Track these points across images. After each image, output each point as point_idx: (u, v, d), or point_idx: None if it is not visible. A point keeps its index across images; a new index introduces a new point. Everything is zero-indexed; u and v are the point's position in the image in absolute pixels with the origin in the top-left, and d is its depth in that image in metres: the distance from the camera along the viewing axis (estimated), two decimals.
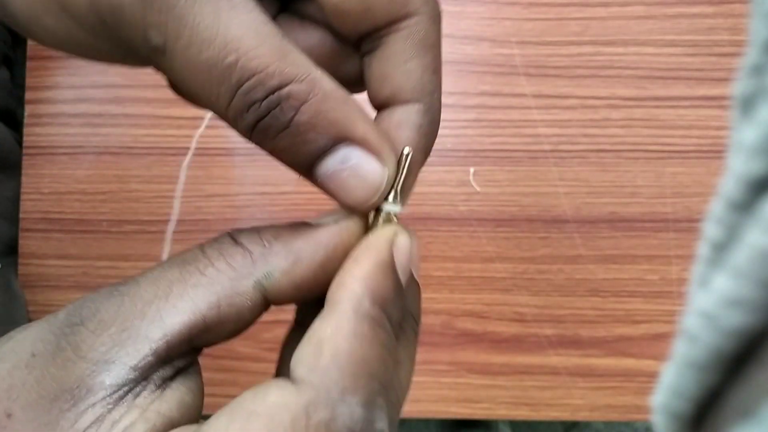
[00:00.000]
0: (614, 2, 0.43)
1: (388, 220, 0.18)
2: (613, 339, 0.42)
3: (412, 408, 0.41)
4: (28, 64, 0.44)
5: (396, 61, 0.17)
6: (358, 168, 0.16)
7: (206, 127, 0.42)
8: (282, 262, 0.16)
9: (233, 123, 0.16)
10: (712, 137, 0.42)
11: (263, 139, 0.16)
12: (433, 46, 0.17)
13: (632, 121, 0.42)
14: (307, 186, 0.17)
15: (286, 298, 0.17)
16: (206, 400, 0.17)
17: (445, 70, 0.18)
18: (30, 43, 0.45)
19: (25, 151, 0.44)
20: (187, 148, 0.43)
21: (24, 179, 0.44)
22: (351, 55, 0.18)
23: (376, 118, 0.18)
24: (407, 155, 0.17)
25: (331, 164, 0.16)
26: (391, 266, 0.16)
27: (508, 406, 0.41)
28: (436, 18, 0.17)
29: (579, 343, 0.41)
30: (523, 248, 0.42)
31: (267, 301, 0.17)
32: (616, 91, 0.42)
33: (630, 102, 0.42)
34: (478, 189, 0.42)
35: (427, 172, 0.42)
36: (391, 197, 0.17)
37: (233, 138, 0.42)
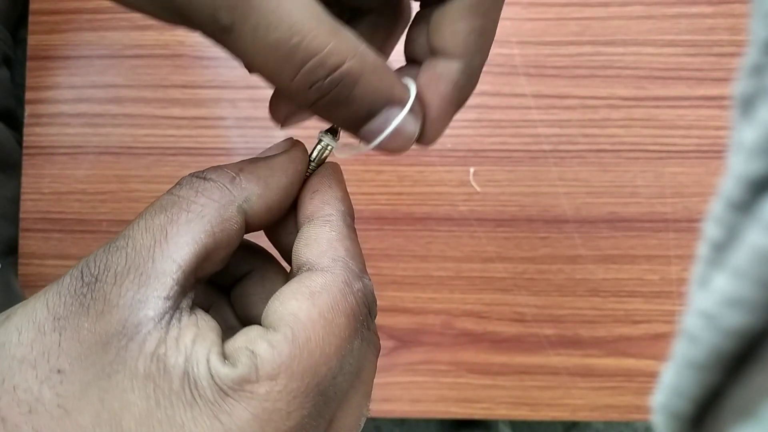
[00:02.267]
0: (614, 2, 0.43)
1: (323, 150, 0.21)
2: (613, 339, 0.42)
3: (412, 408, 0.41)
4: (28, 64, 0.44)
5: (448, 21, 0.19)
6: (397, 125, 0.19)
7: (204, 127, 0.42)
8: (255, 188, 0.19)
9: (294, 96, 0.18)
10: (712, 137, 0.42)
11: (324, 111, 0.18)
12: (486, 12, 0.19)
13: (632, 121, 0.42)
14: None
15: (261, 221, 0.20)
16: None
17: None
18: (30, 42, 0.45)
19: (25, 151, 0.44)
20: (188, 148, 0.43)
21: (24, 179, 0.44)
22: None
23: (422, 66, 0.20)
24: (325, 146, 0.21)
25: (375, 124, 0.19)
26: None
27: (508, 406, 0.41)
28: None
29: (579, 343, 0.42)
30: (523, 248, 0.42)
31: (246, 225, 0.19)
32: (616, 91, 0.42)
33: (630, 102, 0.42)
34: (478, 189, 0.42)
35: (427, 172, 0.43)
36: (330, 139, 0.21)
37: (233, 138, 0.42)
